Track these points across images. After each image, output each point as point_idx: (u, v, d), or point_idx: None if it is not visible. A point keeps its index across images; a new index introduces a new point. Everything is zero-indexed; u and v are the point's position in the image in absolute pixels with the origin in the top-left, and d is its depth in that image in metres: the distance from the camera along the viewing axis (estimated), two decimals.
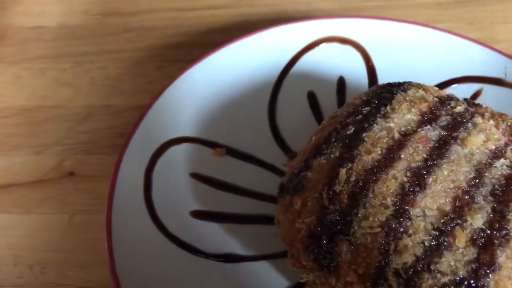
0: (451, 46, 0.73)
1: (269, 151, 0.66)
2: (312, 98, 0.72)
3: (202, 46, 0.78)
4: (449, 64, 0.73)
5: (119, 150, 0.62)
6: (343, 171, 0.50)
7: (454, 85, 0.72)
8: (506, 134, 0.53)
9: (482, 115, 0.55)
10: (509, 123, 0.54)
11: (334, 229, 0.47)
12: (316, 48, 0.75)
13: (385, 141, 0.51)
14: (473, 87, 0.71)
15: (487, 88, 0.71)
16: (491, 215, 0.46)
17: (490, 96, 0.70)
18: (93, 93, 0.76)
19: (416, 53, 0.74)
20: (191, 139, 0.66)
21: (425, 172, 0.48)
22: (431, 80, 0.71)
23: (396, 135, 0.52)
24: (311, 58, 0.75)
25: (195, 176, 0.63)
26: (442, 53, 0.73)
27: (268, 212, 0.60)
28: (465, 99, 0.57)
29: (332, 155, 0.52)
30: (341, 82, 0.73)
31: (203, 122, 0.68)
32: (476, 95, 0.71)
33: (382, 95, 0.57)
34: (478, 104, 0.57)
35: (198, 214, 0.60)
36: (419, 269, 0.44)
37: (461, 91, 0.70)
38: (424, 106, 0.55)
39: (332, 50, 0.75)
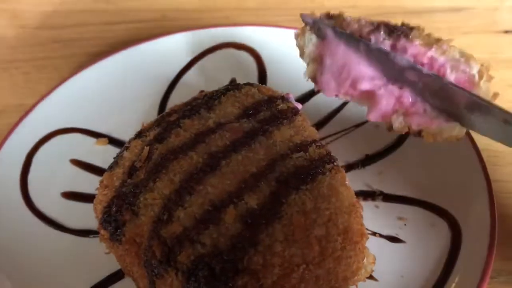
0: None
1: None
2: None
3: None
4: None
5: (5, 136, 0.67)
6: (146, 149, 0.53)
7: None
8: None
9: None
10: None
11: (125, 200, 0.50)
12: (215, 52, 0.81)
13: (197, 127, 0.55)
14: None
15: None
16: (268, 198, 0.47)
17: None
18: (11, 94, 0.83)
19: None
20: (77, 129, 0.71)
21: (221, 156, 0.51)
22: None
23: (211, 124, 0.55)
24: (209, 61, 0.80)
25: (75, 162, 0.68)
26: None
27: None
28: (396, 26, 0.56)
29: (148, 137, 0.56)
30: (232, 82, 0.77)
31: (93, 115, 0.73)
32: None
33: (217, 92, 0.61)
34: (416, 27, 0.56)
35: (67, 195, 0.64)
36: (183, 239, 0.45)
37: None
38: (248, 102, 0.58)
39: (228, 55, 0.80)
